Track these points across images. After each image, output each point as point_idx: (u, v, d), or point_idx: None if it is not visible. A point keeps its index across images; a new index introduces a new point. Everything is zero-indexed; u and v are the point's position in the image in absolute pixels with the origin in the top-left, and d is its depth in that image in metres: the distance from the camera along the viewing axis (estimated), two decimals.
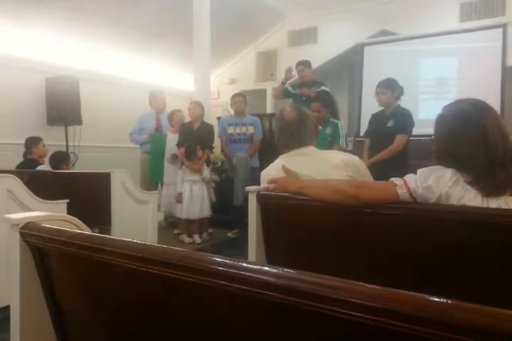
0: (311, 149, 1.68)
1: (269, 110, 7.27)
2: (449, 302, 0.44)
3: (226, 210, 4.56)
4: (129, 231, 3.24)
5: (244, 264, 0.59)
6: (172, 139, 4.47)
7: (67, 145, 4.88)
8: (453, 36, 5.72)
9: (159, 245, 0.70)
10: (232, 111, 4.73)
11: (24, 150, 3.93)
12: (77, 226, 0.91)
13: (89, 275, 0.84)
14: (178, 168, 4.19)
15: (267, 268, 0.57)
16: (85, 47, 5.50)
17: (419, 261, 1.23)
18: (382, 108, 3.53)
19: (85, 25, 5.17)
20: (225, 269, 0.59)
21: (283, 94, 4.55)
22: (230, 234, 4.35)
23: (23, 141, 3.93)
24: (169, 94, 5.31)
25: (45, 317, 0.93)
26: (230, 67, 7.93)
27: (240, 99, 4.38)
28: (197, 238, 4.08)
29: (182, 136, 4.34)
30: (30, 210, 2.43)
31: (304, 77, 4.41)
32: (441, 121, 1.31)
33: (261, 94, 7.57)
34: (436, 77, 5.91)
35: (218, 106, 6.84)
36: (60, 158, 3.87)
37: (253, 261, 1.31)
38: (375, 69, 6.13)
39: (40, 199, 2.67)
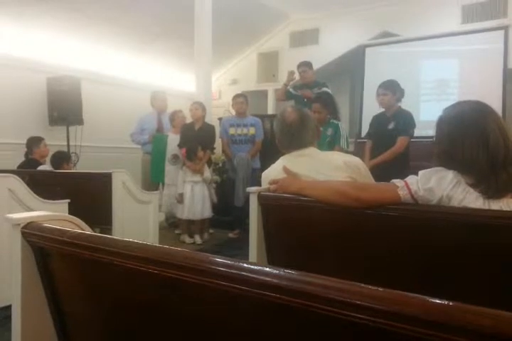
0: (312, 150, 1.68)
1: (270, 111, 7.28)
2: (451, 304, 0.44)
3: (227, 211, 4.56)
4: (130, 231, 3.25)
5: (245, 265, 0.59)
6: (173, 140, 4.47)
7: (68, 146, 4.88)
8: (454, 38, 5.72)
9: (160, 245, 0.70)
10: (233, 112, 4.73)
11: (25, 150, 3.94)
12: (78, 226, 0.91)
13: (90, 275, 0.84)
14: (180, 169, 4.20)
15: (268, 269, 0.57)
16: (87, 48, 5.51)
17: (420, 263, 1.23)
18: (384, 110, 3.52)
19: (87, 25, 5.19)
20: (226, 270, 0.59)
21: (285, 95, 4.56)
22: (230, 235, 4.35)
23: (24, 141, 3.94)
24: (170, 95, 5.30)
25: (47, 317, 0.93)
26: (232, 67, 7.94)
27: (242, 100, 4.39)
28: (198, 238, 4.08)
29: (183, 136, 4.35)
30: (31, 210, 2.43)
31: (305, 78, 4.42)
32: (442, 123, 1.31)
33: (262, 94, 7.58)
34: (437, 78, 5.91)
35: (219, 107, 6.84)
36: (61, 158, 3.87)
37: (254, 262, 1.31)
38: (377, 70, 6.13)
39: (42, 199, 2.67)
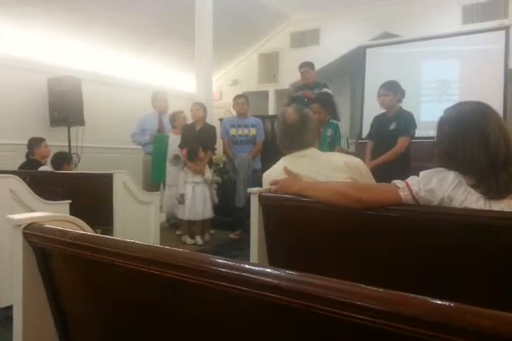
0: (312, 151, 1.68)
1: (271, 112, 7.29)
2: (452, 305, 0.44)
3: (228, 211, 4.56)
4: (131, 232, 3.25)
5: (246, 266, 0.59)
6: (174, 140, 4.47)
7: (69, 146, 4.88)
8: (455, 38, 5.72)
9: (161, 246, 0.70)
10: (234, 113, 4.74)
11: (26, 150, 3.94)
12: (79, 227, 0.91)
13: (91, 275, 0.84)
14: (181, 169, 4.20)
15: (268, 270, 0.57)
16: (87, 48, 5.52)
17: (421, 263, 1.23)
18: (384, 110, 3.52)
19: (87, 25, 5.19)
20: (227, 270, 0.59)
21: (289, 102, 4.59)
22: (232, 236, 4.35)
23: (25, 142, 3.94)
24: (171, 95, 5.31)
25: (48, 317, 0.93)
26: (232, 68, 7.94)
27: (242, 101, 4.39)
28: (199, 239, 4.08)
29: (184, 137, 4.35)
30: (32, 211, 2.44)
31: (307, 78, 4.43)
32: (443, 123, 1.31)
33: (263, 95, 7.58)
34: (438, 79, 5.90)
35: (220, 108, 6.85)
36: (62, 159, 3.88)
37: (254, 263, 1.31)
38: (377, 71, 6.13)
39: (43, 200, 2.67)
